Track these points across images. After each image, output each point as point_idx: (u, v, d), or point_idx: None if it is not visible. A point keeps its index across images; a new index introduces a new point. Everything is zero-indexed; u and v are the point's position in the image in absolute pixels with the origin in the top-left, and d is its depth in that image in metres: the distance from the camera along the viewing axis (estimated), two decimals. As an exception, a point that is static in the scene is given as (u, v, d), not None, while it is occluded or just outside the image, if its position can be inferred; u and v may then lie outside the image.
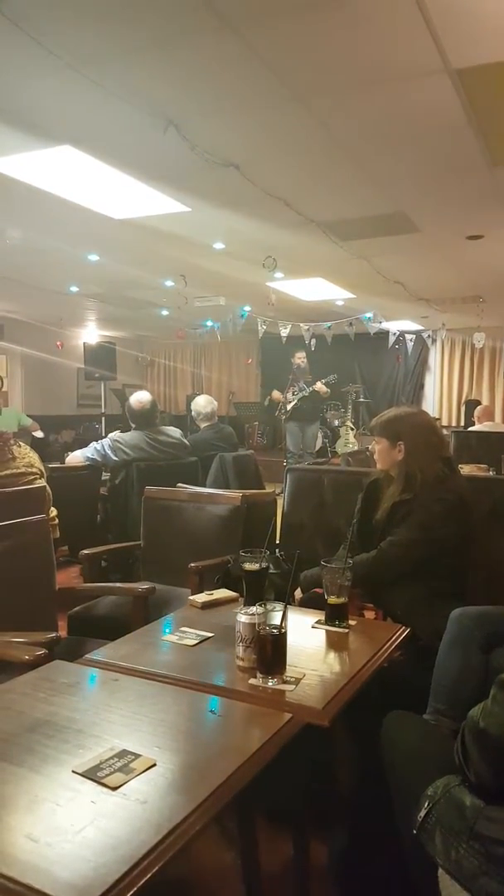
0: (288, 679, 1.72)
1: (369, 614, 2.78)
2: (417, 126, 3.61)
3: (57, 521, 4.04)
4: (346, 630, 2.09)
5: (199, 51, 2.89)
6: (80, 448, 4.88)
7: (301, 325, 9.07)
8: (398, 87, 3.19)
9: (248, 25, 2.69)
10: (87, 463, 4.71)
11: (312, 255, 6.44)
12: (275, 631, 1.72)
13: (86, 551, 3.25)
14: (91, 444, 4.69)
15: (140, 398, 4.73)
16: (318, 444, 10.25)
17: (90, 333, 12.13)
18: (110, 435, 4.73)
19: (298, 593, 2.72)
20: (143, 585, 2.77)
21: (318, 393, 9.14)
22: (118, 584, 3.21)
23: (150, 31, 2.73)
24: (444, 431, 7.60)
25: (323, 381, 9.15)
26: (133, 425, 4.72)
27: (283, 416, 9.42)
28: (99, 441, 4.67)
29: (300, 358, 9.34)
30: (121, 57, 2.93)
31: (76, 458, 4.77)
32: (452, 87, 3.16)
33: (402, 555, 2.54)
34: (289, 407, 9.25)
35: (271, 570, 2.22)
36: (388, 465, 2.72)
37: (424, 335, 11.42)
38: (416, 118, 3.51)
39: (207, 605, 2.31)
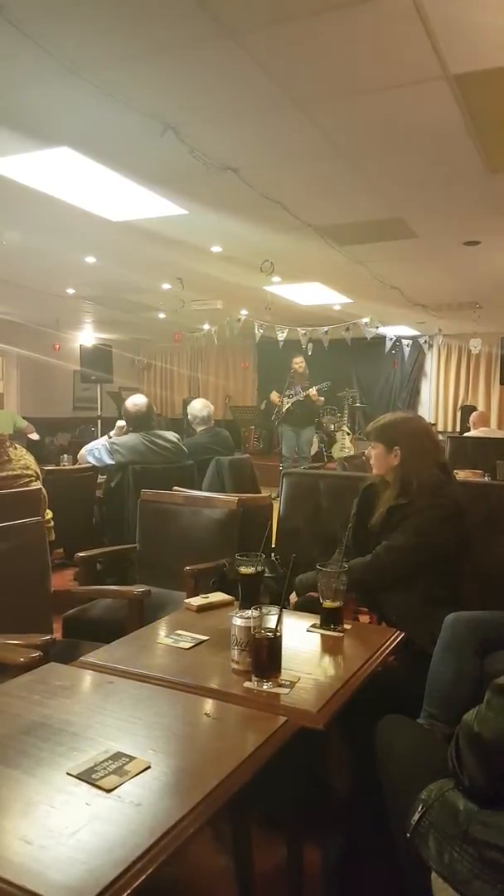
0: (283, 682, 1.72)
1: (364, 618, 2.78)
2: (415, 132, 3.63)
3: (52, 523, 4.04)
4: (341, 634, 2.10)
5: (198, 57, 2.89)
6: (81, 448, 4.89)
7: (298, 329, 9.08)
8: (396, 93, 3.19)
9: (247, 32, 2.70)
10: (90, 464, 4.74)
11: (310, 259, 6.45)
12: (270, 634, 1.72)
13: (81, 554, 3.25)
14: (91, 447, 4.68)
15: (136, 401, 4.75)
16: (315, 448, 10.26)
17: (87, 336, 12.11)
18: (108, 439, 4.73)
19: (294, 597, 2.72)
20: (139, 588, 2.76)
21: (311, 399, 9.15)
22: (114, 587, 3.20)
23: (151, 37, 2.74)
24: (440, 437, 7.65)
25: (316, 387, 9.16)
26: (130, 428, 4.73)
27: (277, 420, 9.42)
28: (95, 447, 4.66)
29: (298, 363, 9.34)
30: (121, 62, 2.94)
31: (82, 456, 4.78)
32: (451, 93, 3.17)
33: (397, 559, 2.54)
34: (283, 410, 9.26)
35: (267, 574, 2.23)
36: (383, 470, 2.72)
37: (421, 340, 11.46)
38: (415, 124, 3.52)
39: (203, 609, 2.31)
